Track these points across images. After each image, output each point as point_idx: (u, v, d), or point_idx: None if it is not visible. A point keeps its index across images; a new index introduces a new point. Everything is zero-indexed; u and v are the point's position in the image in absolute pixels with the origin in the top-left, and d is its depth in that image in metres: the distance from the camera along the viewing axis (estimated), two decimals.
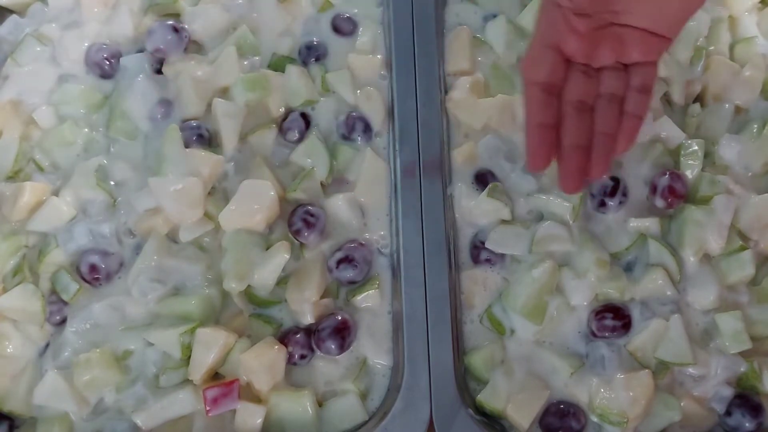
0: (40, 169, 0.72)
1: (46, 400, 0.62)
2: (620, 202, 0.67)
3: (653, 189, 0.67)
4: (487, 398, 0.62)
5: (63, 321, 0.66)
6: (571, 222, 0.66)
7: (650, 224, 0.66)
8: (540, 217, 0.68)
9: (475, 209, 0.68)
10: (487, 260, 0.67)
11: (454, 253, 0.68)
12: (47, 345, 0.66)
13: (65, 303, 0.66)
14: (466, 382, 0.64)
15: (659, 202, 0.67)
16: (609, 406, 0.60)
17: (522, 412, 0.61)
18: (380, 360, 0.65)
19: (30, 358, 0.65)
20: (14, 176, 0.71)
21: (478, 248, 0.68)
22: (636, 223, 0.66)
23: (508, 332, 0.65)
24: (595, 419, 0.61)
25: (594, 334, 0.64)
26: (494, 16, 0.78)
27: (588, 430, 0.62)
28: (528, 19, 0.76)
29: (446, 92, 0.74)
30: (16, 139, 0.71)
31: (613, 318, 0.63)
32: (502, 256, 0.67)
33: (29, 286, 0.66)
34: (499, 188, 0.68)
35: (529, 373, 0.63)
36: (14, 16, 0.80)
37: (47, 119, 0.73)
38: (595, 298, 0.65)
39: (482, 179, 0.70)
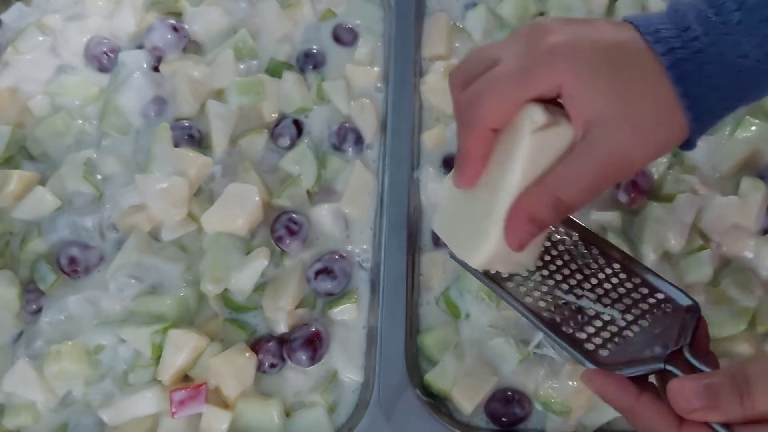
0: (31, 157, 0.72)
1: (14, 388, 0.62)
2: None
3: (617, 183, 0.67)
4: (435, 378, 0.62)
5: (39, 310, 0.66)
6: None
7: (612, 218, 0.65)
8: None
9: (440, 192, 0.68)
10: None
11: (416, 235, 0.68)
12: (21, 333, 0.66)
13: (42, 293, 0.66)
14: (417, 362, 0.64)
15: (622, 197, 0.67)
16: (553, 395, 0.60)
17: (467, 395, 0.61)
18: (351, 375, 0.64)
19: (2, 344, 0.65)
20: (4, 163, 0.71)
21: None
22: (597, 216, 0.66)
23: (464, 316, 0.64)
24: (539, 408, 0.61)
25: None
26: (475, 4, 0.79)
27: (532, 418, 0.61)
28: (508, 9, 0.77)
29: (421, 75, 0.75)
30: (9, 126, 0.72)
31: None
32: None
33: (7, 272, 0.66)
34: None
35: (480, 357, 0.63)
36: (19, 4, 0.81)
37: (42, 108, 0.74)
38: None
39: (450, 163, 0.70)
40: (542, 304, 0.46)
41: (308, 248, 0.68)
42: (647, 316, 0.44)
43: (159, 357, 0.62)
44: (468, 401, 0.61)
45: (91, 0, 0.78)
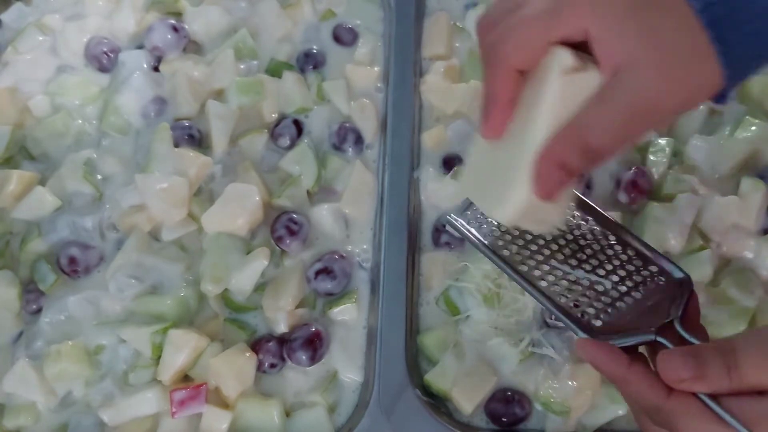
0: (31, 157, 0.72)
1: (14, 388, 0.62)
2: (584, 194, 0.66)
3: (617, 183, 0.67)
4: (435, 378, 0.62)
5: (39, 310, 0.66)
6: None
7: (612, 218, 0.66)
8: None
9: (440, 192, 0.69)
10: (447, 243, 0.67)
11: (416, 235, 0.68)
12: (21, 333, 0.66)
13: (42, 293, 0.66)
14: (417, 362, 0.64)
15: (622, 197, 0.67)
16: (553, 395, 0.60)
17: (467, 395, 0.61)
18: (351, 375, 0.64)
19: (2, 344, 0.65)
20: (4, 163, 0.71)
21: (439, 231, 0.68)
22: None
23: (463, 316, 0.65)
24: (539, 408, 0.61)
25: (546, 324, 0.63)
26: (475, 4, 0.79)
27: (532, 418, 0.61)
28: None
29: (421, 75, 0.75)
30: (9, 126, 0.72)
31: None
32: (462, 240, 0.66)
33: (8, 273, 0.66)
34: None
35: (480, 357, 0.63)
36: (19, 4, 0.81)
37: (42, 108, 0.74)
38: None
39: (450, 163, 0.71)
40: (537, 273, 0.46)
41: (308, 248, 0.68)
42: (640, 288, 0.44)
43: (159, 357, 0.62)
44: (468, 401, 0.61)
45: (91, 0, 0.78)
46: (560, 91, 0.38)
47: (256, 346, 0.63)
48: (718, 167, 0.68)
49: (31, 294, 0.66)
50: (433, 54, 0.77)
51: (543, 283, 0.45)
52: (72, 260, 0.66)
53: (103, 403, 0.62)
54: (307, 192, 0.70)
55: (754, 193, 0.64)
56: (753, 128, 0.67)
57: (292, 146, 0.72)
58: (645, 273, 0.45)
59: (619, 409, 0.60)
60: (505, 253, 0.47)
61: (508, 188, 0.41)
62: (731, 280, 0.62)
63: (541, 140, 0.39)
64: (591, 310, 0.44)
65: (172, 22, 0.75)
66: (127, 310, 0.65)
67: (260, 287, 0.66)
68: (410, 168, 0.71)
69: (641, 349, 0.43)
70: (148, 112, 0.73)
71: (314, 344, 0.63)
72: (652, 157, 0.68)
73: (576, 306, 0.44)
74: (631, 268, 0.46)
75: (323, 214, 0.69)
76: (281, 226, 0.67)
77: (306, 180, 0.70)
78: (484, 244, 0.47)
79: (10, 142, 0.71)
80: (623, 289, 0.45)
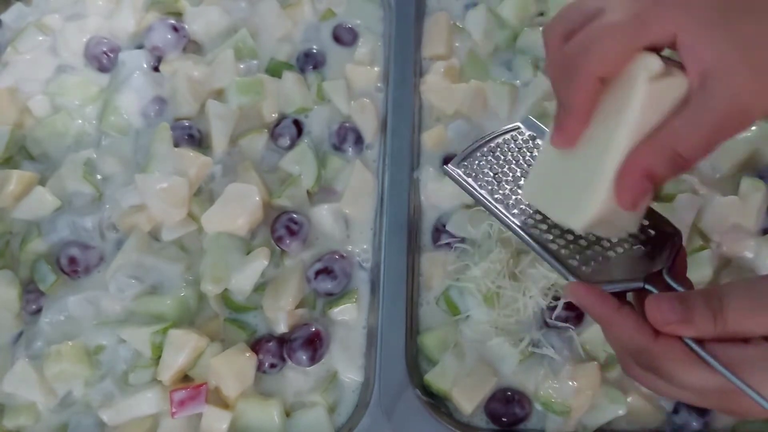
0: (30, 157, 0.72)
1: (14, 388, 0.62)
2: None
3: None
4: (435, 378, 0.62)
5: (39, 311, 0.66)
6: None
7: None
8: None
9: (440, 192, 0.69)
10: (447, 243, 0.67)
11: (416, 234, 0.68)
12: (21, 333, 0.66)
13: (42, 293, 0.66)
14: (417, 362, 0.64)
15: None
16: (553, 395, 0.60)
17: (467, 395, 0.61)
18: (351, 375, 0.64)
19: (2, 344, 0.65)
20: (4, 163, 0.71)
21: (439, 231, 0.68)
22: None
23: (463, 316, 0.65)
24: (539, 408, 0.61)
25: (546, 324, 0.63)
26: (475, 4, 0.79)
27: (532, 418, 0.61)
28: (508, 8, 0.77)
29: (421, 75, 0.75)
30: (9, 126, 0.72)
31: (566, 308, 0.62)
32: (462, 239, 0.67)
33: (8, 273, 0.66)
34: None
35: (480, 357, 0.63)
36: (19, 4, 0.81)
37: (41, 108, 0.74)
38: (550, 287, 0.64)
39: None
40: (530, 222, 0.46)
41: (308, 248, 0.68)
42: (631, 239, 0.45)
43: (159, 357, 0.62)
44: (468, 401, 0.61)
45: (91, 0, 0.78)
46: (647, 97, 0.37)
47: (256, 346, 0.63)
48: (718, 167, 0.68)
49: (31, 294, 0.66)
50: (433, 54, 0.77)
51: (536, 231, 0.46)
52: (72, 260, 0.66)
53: (103, 403, 0.62)
54: (307, 192, 0.70)
55: (754, 193, 0.64)
56: (753, 128, 0.67)
57: (292, 146, 0.72)
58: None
59: (619, 409, 0.60)
60: (499, 204, 0.48)
61: (585, 197, 0.40)
62: (731, 280, 0.62)
63: (625, 148, 0.38)
64: (582, 258, 0.44)
65: (172, 22, 0.75)
66: (127, 310, 0.65)
67: (260, 287, 0.66)
68: (410, 168, 0.70)
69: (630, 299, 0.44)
70: (148, 112, 0.73)
71: (314, 344, 0.63)
72: None
73: (567, 253, 0.45)
74: None
75: (323, 214, 0.69)
76: (281, 226, 0.67)
77: (306, 180, 0.70)
78: (480, 193, 0.48)
79: (10, 142, 0.71)
80: (614, 239, 0.45)
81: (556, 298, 0.63)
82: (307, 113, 0.74)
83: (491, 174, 0.49)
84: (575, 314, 0.63)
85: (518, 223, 0.46)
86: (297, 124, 0.73)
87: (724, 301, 0.37)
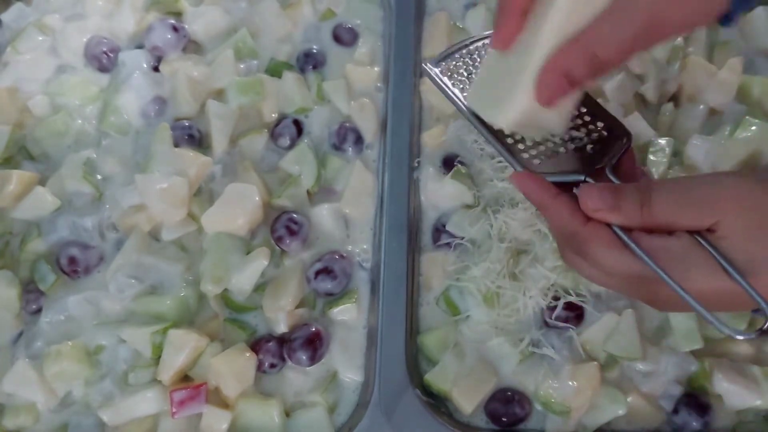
0: (30, 157, 0.72)
1: (14, 388, 0.62)
2: None
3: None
4: (435, 378, 0.62)
5: (38, 310, 0.66)
6: (532, 209, 0.66)
7: None
8: (503, 204, 0.68)
9: (440, 192, 0.69)
10: (447, 243, 0.67)
11: (416, 234, 0.68)
12: (21, 333, 0.66)
13: (42, 293, 0.66)
14: (417, 362, 0.64)
15: None
16: (553, 395, 0.60)
17: (467, 395, 0.61)
18: (351, 375, 0.64)
19: (2, 344, 0.65)
20: (4, 163, 0.71)
21: (439, 231, 0.68)
22: None
23: (463, 316, 0.65)
24: (539, 408, 0.61)
25: (546, 324, 0.63)
26: (475, 4, 0.79)
27: (532, 418, 0.62)
28: None
29: (421, 75, 0.75)
30: (9, 126, 0.72)
31: (566, 309, 0.62)
32: (462, 239, 0.67)
33: (7, 273, 0.66)
34: (463, 172, 0.69)
35: (480, 357, 0.63)
36: (19, 4, 0.81)
37: (42, 108, 0.74)
38: (550, 287, 0.64)
39: (450, 163, 0.71)
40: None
41: (308, 248, 0.68)
42: (584, 138, 0.49)
43: (159, 357, 0.62)
44: (468, 401, 0.61)
45: (91, 0, 0.78)
46: (569, 4, 0.40)
47: (256, 346, 0.63)
48: (718, 167, 0.68)
49: (31, 294, 0.66)
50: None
51: (495, 127, 0.48)
52: (72, 260, 0.66)
53: (103, 403, 0.62)
54: (307, 192, 0.70)
55: None
56: (753, 128, 0.67)
57: (292, 146, 0.72)
58: (591, 127, 0.49)
59: (618, 409, 0.60)
60: (464, 94, 0.51)
61: (510, 94, 0.43)
62: None
63: (547, 50, 0.41)
64: (533, 152, 0.48)
65: (172, 22, 0.75)
66: (127, 310, 0.65)
67: (260, 287, 0.66)
68: (410, 168, 0.71)
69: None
70: (148, 112, 0.73)
71: (314, 344, 0.63)
72: (652, 157, 0.68)
73: (522, 149, 0.48)
74: (579, 121, 0.49)
75: (323, 214, 0.69)
76: (281, 226, 0.67)
77: (306, 180, 0.70)
78: (452, 91, 0.51)
79: (10, 142, 0.71)
80: (566, 137, 0.49)
81: (556, 298, 0.63)
82: (307, 113, 0.74)
83: (465, 74, 0.52)
84: (575, 314, 0.63)
85: (481, 121, 0.49)
86: (297, 124, 0.73)
87: (653, 194, 0.40)
